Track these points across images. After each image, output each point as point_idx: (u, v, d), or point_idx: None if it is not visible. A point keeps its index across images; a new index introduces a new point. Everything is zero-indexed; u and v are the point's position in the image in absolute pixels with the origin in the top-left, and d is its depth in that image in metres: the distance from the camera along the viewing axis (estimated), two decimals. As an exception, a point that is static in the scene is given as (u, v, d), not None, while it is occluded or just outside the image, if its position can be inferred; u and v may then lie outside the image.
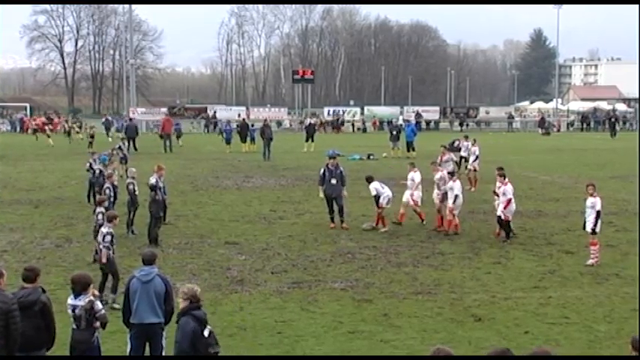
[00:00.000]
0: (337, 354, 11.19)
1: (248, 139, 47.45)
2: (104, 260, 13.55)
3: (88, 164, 24.38)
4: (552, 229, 20.64)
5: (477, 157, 29.81)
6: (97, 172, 23.18)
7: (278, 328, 12.31)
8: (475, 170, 29.47)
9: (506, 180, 19.31)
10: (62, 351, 9.47)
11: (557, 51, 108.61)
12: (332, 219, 20.92)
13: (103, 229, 13.71)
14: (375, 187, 20.74)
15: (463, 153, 32.79)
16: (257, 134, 46.57)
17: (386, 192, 20.69)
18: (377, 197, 20.64)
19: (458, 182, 20.51)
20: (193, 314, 8.32)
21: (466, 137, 34.18)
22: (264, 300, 13.91)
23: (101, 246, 13.59)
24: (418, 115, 77.78)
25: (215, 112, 76.36)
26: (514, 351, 6.89)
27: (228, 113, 75.34)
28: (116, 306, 11.91)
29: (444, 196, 20.58)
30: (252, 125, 51.84)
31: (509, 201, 18.83)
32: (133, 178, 20.07)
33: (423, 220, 21.12)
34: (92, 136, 45.81)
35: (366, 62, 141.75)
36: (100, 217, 15.75)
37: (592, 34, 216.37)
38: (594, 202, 16.78)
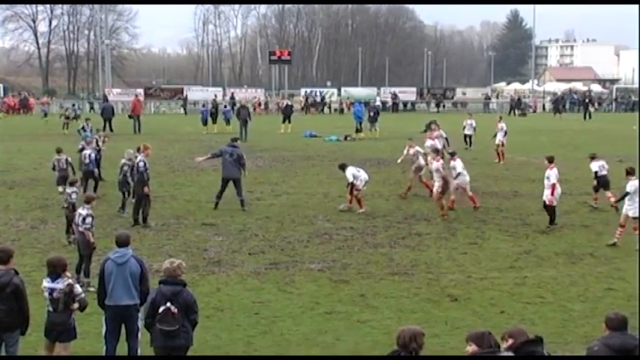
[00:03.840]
0: (314, 334, 11.23)
1: (219, 119, 47.21)
2: (92, 240, 13.35)
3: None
4: (528, 210, 20.76)
5: (505, 132, 31.99)
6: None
7: (255, 309, 12.32)
8: (503, 145, 31.48)
9: (553, 165, 18.68)
10: (37, 333, 9.42)
11: (533, 32, 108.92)
12: None
13: (82, 211, 13.35)
14: (351, 172, 20.47)
15: (467, 131, 35.90)
16: (233, 115, 46.39)
17: (362, 175, 20.64)
18: (351, 183, 20.45)
19: (458, 160, 20.82)
20: (160, 288, 8.70)
21: (470, 115, 36.38)
22: (241, 281, 13.92)
23: (81, 228, 13.27)
24: (394, 96, 77.84)
25: (186, 94, 75.90)
26: (492, 331, 6.93)
27: (204, 94, 74.95)
28: (92, 289, 11.83)
29: (417, 170, 21.86)
30: (225, 106, 51.68)
31: (553, 186, 18.31)
32: (130, 160, 19.72)
33: (476, 207, 20.66)
34: (67, 118, 45.53)
35: (343, 43, 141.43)
36: (73, 196, 15.79)
37: (568, 15, 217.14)
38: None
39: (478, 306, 12.56)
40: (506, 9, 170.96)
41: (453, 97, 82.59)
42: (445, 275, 14.35)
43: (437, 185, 20.13)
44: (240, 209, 20.32)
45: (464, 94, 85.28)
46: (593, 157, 21.30)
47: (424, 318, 11.72)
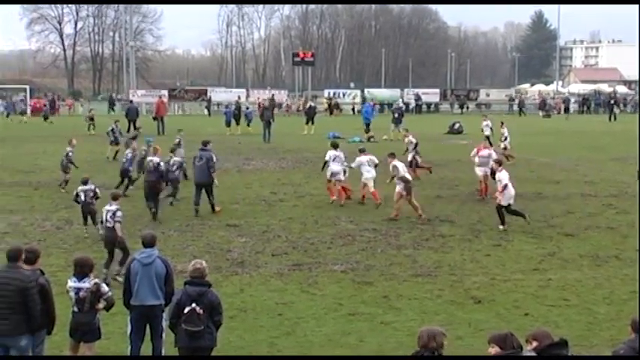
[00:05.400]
0: (337, 336, 11.23)
1: (241, 121, 47.46)
2: (120, 234, 13.80)
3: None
4: (552, 212, 20.64)
5: (506, 137, 31.40)
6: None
7: (278, 310, 12.34)
8: (505, 148, 30.94)
9: (502, 167, 19.08)
10: (63, 333, 9.50)
11: (558, 33, 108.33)
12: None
13: (110, 207, 13.89)
14: (329, 155, 21.66)
15: (486, 132, 35.31)
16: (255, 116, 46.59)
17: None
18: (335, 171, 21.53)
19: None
20: (185, 288, 8.72)
21: (485, 116, 36.04)
22: (264, 282, 13.95)
23: (110, 224, 13.77)
24: (418, 97, 77.65)
25: (210, 95, 76.10)
26: (516, 333, 6.91)
27: (228, 95, 75.11)
28: (120, 279, 11.99)
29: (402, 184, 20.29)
30: (248, 107, 51.85)
31: (504, 187, 18.45)
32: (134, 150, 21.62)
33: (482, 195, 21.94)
34: (92, 119, 45.88)
35: (366, 44, 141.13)
36: (90, 194, 17.13)
37: (593, 15, 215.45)
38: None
39: (502, 308, 12.50)
40: (531, 10, 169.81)
41: (476, 99, 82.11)
42: (469, 277, 14.30)
43: (400, 187, 19.88)
44: (210, 212, 19.95)
45: (487, 95, 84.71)
46: None
47: (447, 320, 11.68)
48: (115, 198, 14.34)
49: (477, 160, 22.77)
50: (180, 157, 22.56)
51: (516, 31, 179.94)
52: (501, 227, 18.41)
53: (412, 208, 19.64)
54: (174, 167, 21.39)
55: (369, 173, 21.44)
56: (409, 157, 25.75)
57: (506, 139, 31.15)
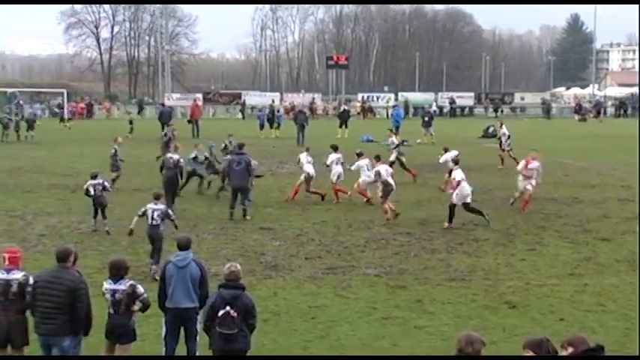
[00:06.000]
0: (371, 340, 11.21)
1: (275, 124, 47.71)
2: (162, 229, 14.46)
3: (193, 154, 24.17)
4: (588, 216, 20.43)
5: (508, 136, 31.31)
6: (203, 158, 24.07)
7: (312, 314, 12.35)
8: (502, 150, 30.94)
9: (458, 166, 19.57)
10: (99, 335, 9.58)
11: (594, 36, 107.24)
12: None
13: (155, 206, 14.45)
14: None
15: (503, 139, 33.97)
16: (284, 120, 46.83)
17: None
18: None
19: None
20: (219, 291, 8.75)
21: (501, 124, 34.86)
22: (298, 285, 13.96)
23: (156, 222, 14.36)
24: (452, 100, 77.33)
25: (244, 99, 76.37)
26: (551, 338, 6.83)
27: (262, 99, 75.35)
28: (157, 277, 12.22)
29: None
30: (279, 111, 52.05)
31: (458, 183, 18.99)
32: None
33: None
34: (130, 122, 46.66)
35: (400, 48, 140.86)
36: (100, 188, 18.42)
37: (630, 18, 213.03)
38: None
39: (537, 313, 12.40)
40: (566, 13, 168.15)
41: (511, 102, 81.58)
42: (503, 282, 14.20)
43: (379, 190, 20.43)
44: (242, 218, 19.96)
45: (522, 99, 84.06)
46: None
47: (482, 325, 11.60)
48: (157, 197, 14.75)
49: (524, 172, 21.50)
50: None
51: (552, 34, 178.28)
52: (446, 225, 18.81)
53: (383, 209, 19.97)
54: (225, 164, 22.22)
55: (368, 178, 21.66)
56: (391, 158, 25.95)
57: (509, 137, 31.13)
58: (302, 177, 22.74)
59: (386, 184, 19.98)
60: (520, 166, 21.87)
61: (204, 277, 9.72)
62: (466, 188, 18.93)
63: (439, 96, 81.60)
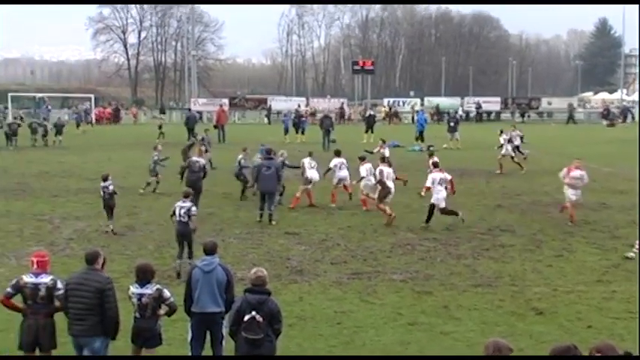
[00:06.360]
0: (396, 345, 11.17)
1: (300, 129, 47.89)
2: (193, 227, 14.81)
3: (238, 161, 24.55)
4: (617, 223, 20.24)
5: (509, 140, 31.48)
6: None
7: (337, 319, 12.33)
8: (501, 156, 30.91)
9: (437, 169, 20.15)
10: (125, 339, 9.63)
11: (622, 40, 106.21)
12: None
13: (183, 204, 14.77)
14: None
15: (517, 142, 34.39)
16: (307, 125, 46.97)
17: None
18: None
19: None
20: (245, 296, 8.73)
21: (514, 127, 35.47)
22: (323, 290, 13.95)
23: (185, 219, 14.66)
24: (478, 105, 77.02)
25: (270, 104, 76.52)
26: (579, 346, 6.77)
27: (287, 104, 75.48)
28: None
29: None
30: (302, 116, 52.18)
31: (428, 189, 19.69)
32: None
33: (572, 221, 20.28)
34: (160, 127, 47.29)
35: (426, 53, 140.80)
36: (110, 188, 19.00)
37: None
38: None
39: (564, 320, 12.29)
40: (594, 17, 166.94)
41: (538, 107, 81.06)
42: (530, 288, 14.09)
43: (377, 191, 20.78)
44: (268, 223, 20.03)
45: (549, 103, 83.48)
46: None
47: (508, 331, 11.52)
48: (186, 196, 15.12)
49: (566, 180, 20.78)
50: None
51: (579, 39, 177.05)
52: (423, 224, 19.44)
53: (379, 209, 20.32)
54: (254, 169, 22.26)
55: (369, 182, 21.75)
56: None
57: (510, 140, 31.25)
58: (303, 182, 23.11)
59: (383, 186, 20.27)
60: (561, 174, 21.16)
61: (230, 282, 9.74)
62: (440, 192, 19.56)
63: (465, 101, 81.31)
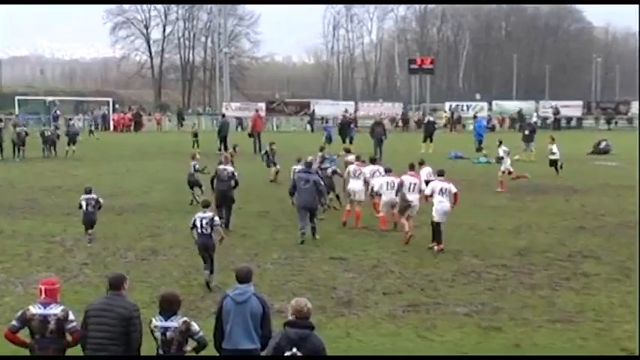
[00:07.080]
0: (460, 390, 11.11)
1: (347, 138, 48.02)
2: (219, 238, 15.80)
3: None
4: None
5: (508, 152, 31.14)
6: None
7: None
8: (504, 172, 30.57)
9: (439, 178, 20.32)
10: (147, 377, 9.72)
11: None
12: None
13: (204, 215, 15.68)
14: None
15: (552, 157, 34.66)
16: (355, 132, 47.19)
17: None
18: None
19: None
20: (285, 331, 8.63)
21: (552, 139, 35.14)
22: (374, 325, 13.93)
23: (207, 230, 15.56)
24: (556, 110, 76.47)
25: (313, 109, 76.80)
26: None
27: (333, 108, 75.74)
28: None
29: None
30: (327, 122, 52.33)
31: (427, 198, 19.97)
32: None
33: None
34: (195, 135, 48.22)
35: (495, 49, 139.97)
36: (92, 203, 20.32)
37: None
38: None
39: (658, 362, 12.14)
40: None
41: (627, 113, 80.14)
42: (618, 324, 13.93)
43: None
44: (312, 239, 20.60)
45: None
46: None
47: (592, 375, 11.42)
48: (206, 206, 16.06)
49: None
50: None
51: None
52: (429, 246, 19.63)
53: (401, 224, 20.84)
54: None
55: (385, 196, 21.82)
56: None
57: (508, 153, 31.14)
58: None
59: (403, 199, 20.51)
60: None
61: (266, 314, 9.74)
62: (441, 206, 19.54)
63: (541, 105, 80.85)
